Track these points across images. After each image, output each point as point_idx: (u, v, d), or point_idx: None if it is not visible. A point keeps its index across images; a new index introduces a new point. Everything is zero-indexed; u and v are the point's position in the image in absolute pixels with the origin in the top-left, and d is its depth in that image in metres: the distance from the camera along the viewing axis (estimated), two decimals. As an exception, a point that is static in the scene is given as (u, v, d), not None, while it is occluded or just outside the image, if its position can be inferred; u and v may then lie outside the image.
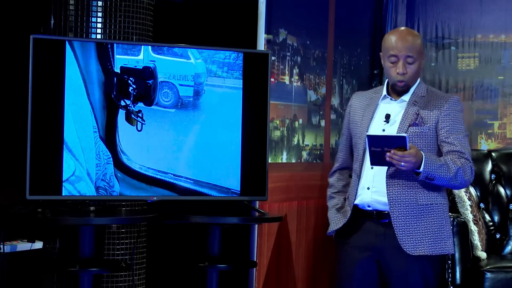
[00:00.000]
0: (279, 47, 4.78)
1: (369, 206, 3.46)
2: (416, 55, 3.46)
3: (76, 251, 3.93)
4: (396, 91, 3.54)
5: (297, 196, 4.80)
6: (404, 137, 3.26)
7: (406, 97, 3.52)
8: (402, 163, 3.28)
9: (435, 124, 3.46)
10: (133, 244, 4.23)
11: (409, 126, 3.44)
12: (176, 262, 4.48)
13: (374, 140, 3.29)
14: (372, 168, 3.45)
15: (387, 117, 3.47)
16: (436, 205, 3.45)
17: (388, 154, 3.27)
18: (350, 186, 3.60)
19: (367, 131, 3.48)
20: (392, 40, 3.48)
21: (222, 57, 4.14)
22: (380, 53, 3.56)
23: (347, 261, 3.51)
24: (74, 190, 3.90)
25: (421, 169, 3.31)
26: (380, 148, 3.28)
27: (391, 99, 3.53)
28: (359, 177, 3.49)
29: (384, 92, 3.55)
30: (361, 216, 3.49)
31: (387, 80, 3.58)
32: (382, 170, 3.44)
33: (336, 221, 3.59)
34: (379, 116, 3.51)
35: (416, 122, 3.45)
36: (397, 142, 3.27)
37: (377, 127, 3.49)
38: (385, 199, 3.42)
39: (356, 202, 3.49)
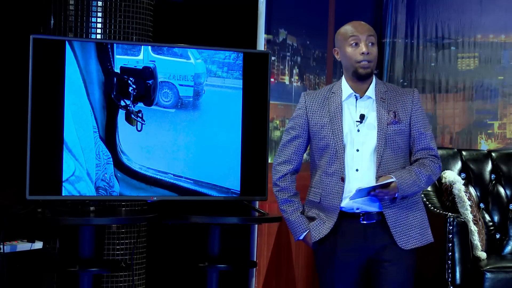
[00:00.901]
0: (279, 47, 4.78)
1: (357, 209, 3.42)
2: (375, 39, 3.44)
3: (76, 251, 3.93)
4: (358, 79, 3.43)
5: (297, 196, 4.80)
6: (392, 182, 3.33)
7: (371, 94, 3.47)
8: (386, 197, 3.35)
9: (409, 120, 3.47)
10: (133, 244, 4.23)
11: (388, 125, 3.43)
12: (176, 262, 4.48)
13: (363, 192, 3.33)
14: (357, 170, 3.41)
15: (362, 117, 3.43)
16: (416, 197, 3.48)
17: (372, 193, 3.32)
18: (324, 189, 3.44)
19: (341, 132, 3.42)
20: (349, 26, 3.44)
21: (222, 57, 4.14)
22: (334, 49, 3.48)
23: (338, 265, 3.44)
24: (74, 190, 3.90)
25: (396, 195, 3.36)
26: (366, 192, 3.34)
27: (356, 97, 3.45)
28: (343, 180, 3.41)
29: (349, 90, 3.45)
30: (344, 218, 3.45)
31: (343, 78, 3.49)
32: (369, 171, 3.39)
33: (316, 228, 3.47)
34: (348, 116, 3.45)
35: (396, 120, 3.44)
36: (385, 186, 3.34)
37: (350, 128, 3.44)
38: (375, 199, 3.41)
39: (342, 205, 3.42)
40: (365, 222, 3.41)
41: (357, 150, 3.41)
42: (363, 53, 3.39)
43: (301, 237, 3.50)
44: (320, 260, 3.51)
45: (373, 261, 3.44)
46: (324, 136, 3.44)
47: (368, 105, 3.45)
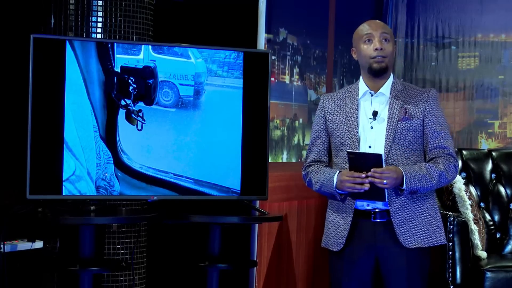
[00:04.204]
0: (279, 47, 4.78)
1: (368, 205, 3.44)
2: (390, 36, 3.46)
3: (76, 250, 3.93)
4: (374, 76, 3.45)
5: (297, 195, 4.80)
6: (380, 155, 3.28)
7: (386, 91, 3.48)
8: (385, 181, 3.27)
9: (422, 118, 3.46)
10: (133, 244, 4.23)
11: (398, 121, 3.43)
12: (176, 261, 4.48)
13: (356, 158, 3.29)
14: None
15: (375, 114, 3.44)
16: (426, 198, 3.46)
17: (369, 174, 3.26)
18: None
19: (357, 128, 3.45)
20: (364, 25, 3.49)
21: (223, 57, 4.14)
22: (352, 49, 3.52)
23: (346, 262, 3.47)
24: (74, 189, 3.90)
25: (404, 186, 3.32)
26: (359, 169, 3.27)
27: (370, 94, 3.48)
28: None
29: (365, 87, 3.48)
30: (356, 218, 3.45)
31: (360, 77, 3.52)
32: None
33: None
34: (363, 113, 3.48)
35: (406, 116, 3.45)
36: (373, 160, 3.28)
37: (364, 125, 3.46)
38: None
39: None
40: (377, 220, 3.42)
41: (370, 147, 3.43)
42: (376, 49, 3.41)
43: (334, 185, 3.41)
44: (331, 258, 3.52)
45: (382, 260, 3.44)
46: (340, 134, 3.47)
47: (382, 102, 3.47)
